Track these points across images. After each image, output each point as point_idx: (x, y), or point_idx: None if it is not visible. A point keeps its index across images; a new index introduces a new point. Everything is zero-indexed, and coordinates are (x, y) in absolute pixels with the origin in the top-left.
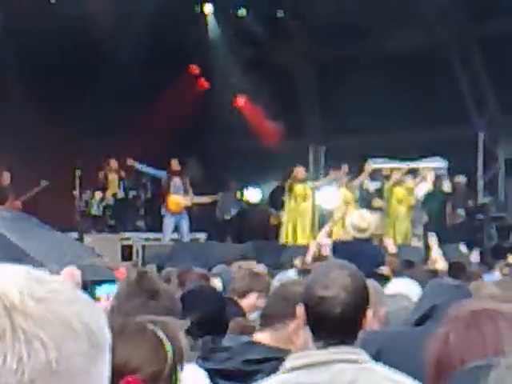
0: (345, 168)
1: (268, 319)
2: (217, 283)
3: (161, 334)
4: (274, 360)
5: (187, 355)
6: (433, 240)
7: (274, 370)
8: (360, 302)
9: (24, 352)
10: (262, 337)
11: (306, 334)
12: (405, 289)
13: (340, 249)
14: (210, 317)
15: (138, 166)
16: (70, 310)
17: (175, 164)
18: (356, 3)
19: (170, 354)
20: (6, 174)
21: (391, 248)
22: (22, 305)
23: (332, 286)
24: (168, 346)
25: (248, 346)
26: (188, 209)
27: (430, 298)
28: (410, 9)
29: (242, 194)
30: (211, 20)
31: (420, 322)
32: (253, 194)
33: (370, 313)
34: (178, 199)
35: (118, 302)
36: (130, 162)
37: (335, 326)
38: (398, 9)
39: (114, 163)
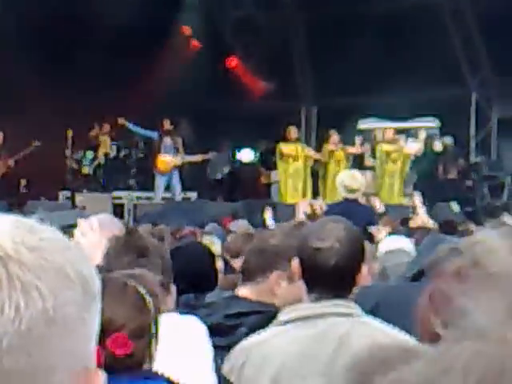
0: (334, 135)
1: (248, 273)
2: (210, 240)
3: (141, 289)
4: (255, 313)
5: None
6: (417, 199)
7: (256, 324)
8: (355, 254)
9: (21, 301)
10: (244, 291)
11: (290, 287)
12: (402, 244)
13: (331, 209)
14: (199, 273)
15: (129, 125)
16: (64, 258)
17: (167, 124)
18: None
19: (152, 309)
20: None
21: (378, 207)
22: (17, 254)
23: (327, 237)
24: (149, 301)
25: (230, 301)
26: (179, 168)
27: (426, 254)
28: None
29: (234, 155)
30: None
31: (417, 277)
32: (245, 155)
33: (364, 268)
34: (166, 159)
35: (107, 260)
36: (121, 121)
37: (329, 278)
38: None
39: (106, 127)
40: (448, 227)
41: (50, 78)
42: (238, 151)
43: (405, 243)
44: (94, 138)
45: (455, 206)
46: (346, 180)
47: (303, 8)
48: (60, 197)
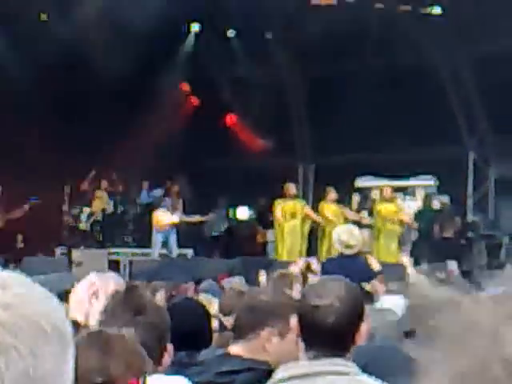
0: (331, 193)
1: (239, 331)
2: (205, 298)
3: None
4: (246, 371)
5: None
6: (405, 259)
7: (248, 381)
8: (354, 313)
9: (2, 363)
10: (236, 349)
11: (282, 343)
12: (391, 303)
13: (328, 265)
14: (193, 331)
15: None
16: (37, 312)
17: (173, 186)
18: (346, 24)
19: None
20: None
21: (375, 266)
22: None
23: (326, 295)
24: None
25: (222, 359)
26: (176, 225)
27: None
28: (400, 29)
29: (233, 213)
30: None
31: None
32: (242, 213)
33: (364, 327)
34: (165, 216)
35: (105, 318)
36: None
37: (328, 336)
38: (388, 29)
39: (104, 183)
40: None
41: (49, 134)
42: (234, 209)
43: (396, 302)
44: (90, 194)
45: (452, 265)
46: (343, 235)
47: (301, 66)
48: (57, 253)
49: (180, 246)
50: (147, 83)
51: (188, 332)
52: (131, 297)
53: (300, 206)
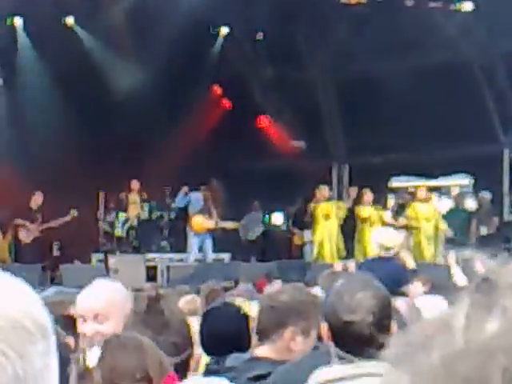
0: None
1: (263, 333)
2: (241, 302)
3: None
4: None
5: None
6: (451, 258)
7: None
8: (386, 320)
9: None
10: (262, 351)
11: (307, 341)
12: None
13: (364, 267)
14: (232, 335)
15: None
16: (18, 310)
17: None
18: (377, 22)
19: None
20: (38, 195)
21: (409, 263)
22: None
23: (358, 310)
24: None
25: (251, 363)
26: (212, 230)
27: None
28: (431, 26)
29: (269, 219)
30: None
31: None
32: (277, 218)
33: (394, 326)
34: (201, 220)
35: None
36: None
37: (362, 344)
38: (419, 26)
39: (135, 184)
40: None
41: (84, 140)
42: (269, 215)
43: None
44: (123, 200)
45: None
46: (382, 237)
47: (334, 66)
48: (93, 259)
49: (217, 250)
50: (179, 87)
51: (226, 336)
52: (152, 315)
53: (335, 207)
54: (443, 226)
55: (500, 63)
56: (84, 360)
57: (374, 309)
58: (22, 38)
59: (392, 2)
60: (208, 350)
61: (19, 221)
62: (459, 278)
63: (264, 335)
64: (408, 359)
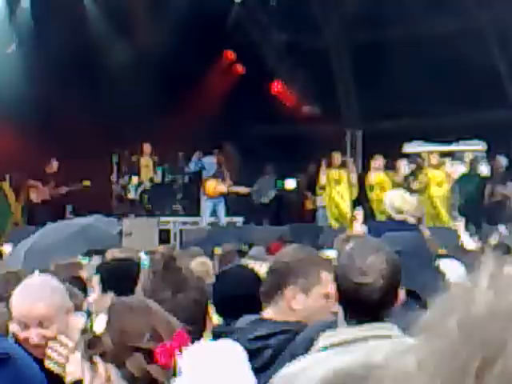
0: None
1: (266, 295)
2: (253, 265)
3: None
4: (279, 334)
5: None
6: (460, 225)
7: (281, 344)
8: (395, 285)
9: None
10: (268, 313)
11: (307, 299)
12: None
13: (375, 229)
14: (245, 296)
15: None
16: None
17: (220, 154)
18: None
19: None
20: (54, 163)
21: (425, 231)
22: None
23: (370, 272)
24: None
25: (255, 324)
26: (225, 195)
27: None
28: None
29: (282, 184)
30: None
31: None
32: (290, 184)
33: (402, 292)
34: (214, 184)
35: (144, 296)
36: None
37: (371, 308)
38: None
39: (147, 148)
40: (501, 251)
41: (96, 103)
42: (282, 181)
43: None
44: (135, 163)
45: (503, 229)
46: (396, 201)
47: (347, 31)
48: None
49: (229, 213)
50: (193, 52)
51: (240, 297)
52: (170, 273)
53: (345, 175)
54: (450, 193)
55: None
56: (91, 327)
57: (385, 272)
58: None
59: None
60: (220, 312)
61: (31, 181)
62: (468, 244)
63: (267, 297)
64: (430, 326)
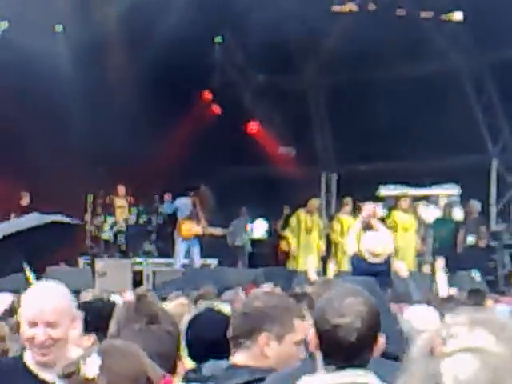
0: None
1: (237, 339)
2: (226, 309)
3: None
4: (257, 382)
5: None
6: (439, 266)
7: None
8: (373, 328)
9: None
10: (239, 358)
11: (281, 347)
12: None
13: (358, 266)
14: (216, 341)
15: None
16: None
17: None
18: (368, 31)
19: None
20: (25, 195)
21: (403, 273)
22: None
23: (347, 313)
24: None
25: (230, 371)
26: (199, 236)
27: None
28: (422, 36)
29: (250, 233)
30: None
31: None
32: (258, 228)
33: (381, 339)
34: (189, 226)
35: (117, 328)
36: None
37: (349, 351)
38: (410, 36)
39: (121, 189)
40: (476, 297)
41: (71, 144)
42: (251, 222)
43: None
44: (109, 204)
45: (477, 275)
46: (370, 244)
47: (323, 73)
48: (80, 263)
49: (204, 255)
50: (170, 92)
51: (213, 341)
52: (143, 305)
53: (316, 222)
54: (417, 239)
55: (489, 73)
56: (78, 370)
57: (363, 315)
58: None
59: (383, 11)
60: (193, 355)
61: None
62: (443, 286)
63: (238, 342)
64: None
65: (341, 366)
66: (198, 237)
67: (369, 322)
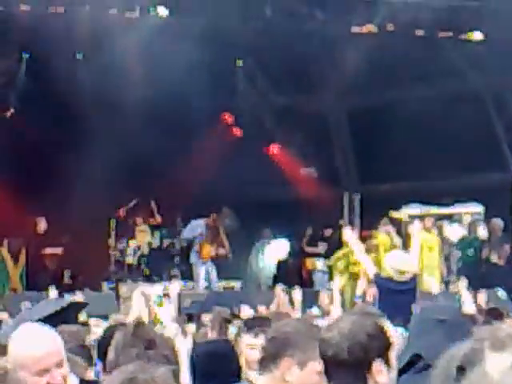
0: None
1: (263, 363)
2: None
3: None
4: None
5: None
6: (462, 285)
7: None
8: (356, 348)
9: None
10: (262, 381)
11: (302, 373)
12: None
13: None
14: (220, 372)
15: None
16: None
17: (214, 216)
18: (388, 52)
19: None
20: (42, 220)
21: (434, 289)
22: None
23: (332, 328)
24: None
25: None
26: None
27: (414, 341)
28: (442, 56)
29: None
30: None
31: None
32: (281, 249)
33: (376, 366)
34: (209, 248)
35: (115, 354)
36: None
37: (336, 369)
38: (431, 56)
39: (139, 220)
40: (494, 316)
41: (95, 167)
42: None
43: None
44: (131, 229)
45: (501, 293)
46: (396, 263)
47: (345, 95)
48: (104, 287)
49: (228, 277)
50: (191, 115)
51: (216, 373)
52: (141, 331)
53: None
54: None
55: (510, 92)
56: None
57: (346, 331)
58: None
59: (402, 31)
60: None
61: (49, 250)
62: (468, 304)
63: (264, 365)
64: None
65: None
66: (216, 259)
67: (349, 340)
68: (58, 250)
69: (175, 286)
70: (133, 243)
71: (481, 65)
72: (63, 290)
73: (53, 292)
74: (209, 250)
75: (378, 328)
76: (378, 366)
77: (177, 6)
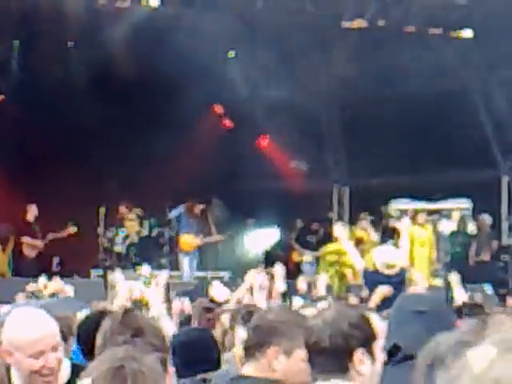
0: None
1: (248, 351)
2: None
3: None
4: None
5: None
6: (455, 278)
7: None
8: (338, 336)
9: None
10: (248, 369)
11: (289, 361)
12: None
13: (372, 278)
14: (201, 357)
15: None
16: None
17: (197, 209)
18: (377, 47)
19: None
20: (32, 207)
21: (422, 284)
22: None
23: (317, 316)
24: None
25: (235, 382)
26: (200, 248)
27: (393, 332)
28: (431, 52)
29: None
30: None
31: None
32: (271, 237)
33: (358, 355)
34: (189, 239)
35: (103, 340)
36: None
37: (318, 356)
38: (421, 53)
39: (122, 209)
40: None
41: (85, 156)
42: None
43: None
44: (121, 216)
45: (488, 288)
46: (385, 257)
47: (336, 89)
48: (92, 275)
49: (217, 268)
50: (180, 106)
51: (196, 359)
52: (129, 318)
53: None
54: (434, 253)
55: (499, 90)
56: None
57: (328, 318)
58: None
59: (392, 27)
60: (179, 371)
61: (28, 239)
62: (460, 296)
63: (249, 353)
64: None
65: (318, 375)
66: (198, 249)
67: (331, 328)
68: (38, 242)
69: (163, 276)
70: (122, 231)
71: (470, 62)
72: (51, 276)
73: (42, 279)
74: (191, 241)
75: (362, 318)
76: (359, 355)
77: None
